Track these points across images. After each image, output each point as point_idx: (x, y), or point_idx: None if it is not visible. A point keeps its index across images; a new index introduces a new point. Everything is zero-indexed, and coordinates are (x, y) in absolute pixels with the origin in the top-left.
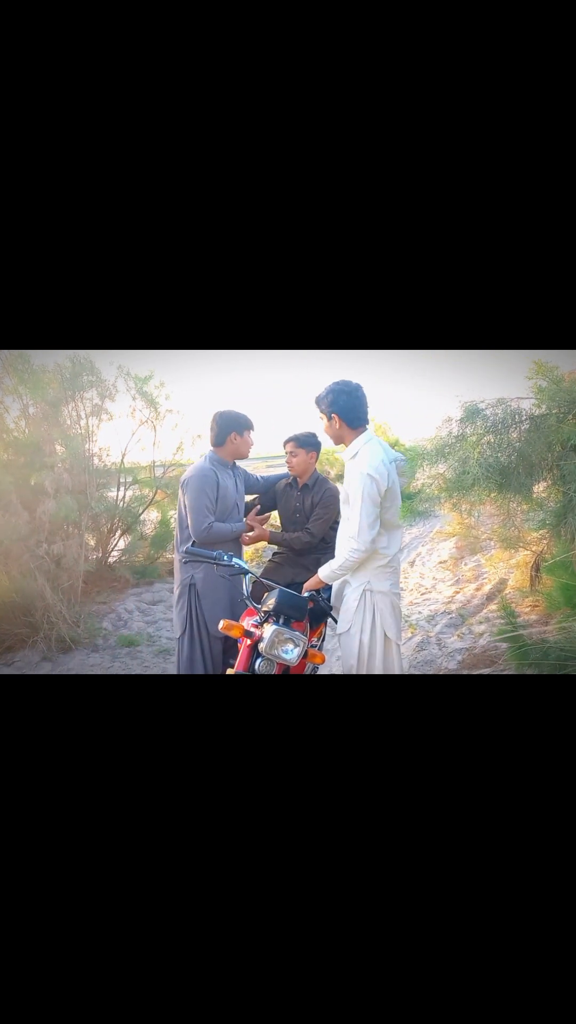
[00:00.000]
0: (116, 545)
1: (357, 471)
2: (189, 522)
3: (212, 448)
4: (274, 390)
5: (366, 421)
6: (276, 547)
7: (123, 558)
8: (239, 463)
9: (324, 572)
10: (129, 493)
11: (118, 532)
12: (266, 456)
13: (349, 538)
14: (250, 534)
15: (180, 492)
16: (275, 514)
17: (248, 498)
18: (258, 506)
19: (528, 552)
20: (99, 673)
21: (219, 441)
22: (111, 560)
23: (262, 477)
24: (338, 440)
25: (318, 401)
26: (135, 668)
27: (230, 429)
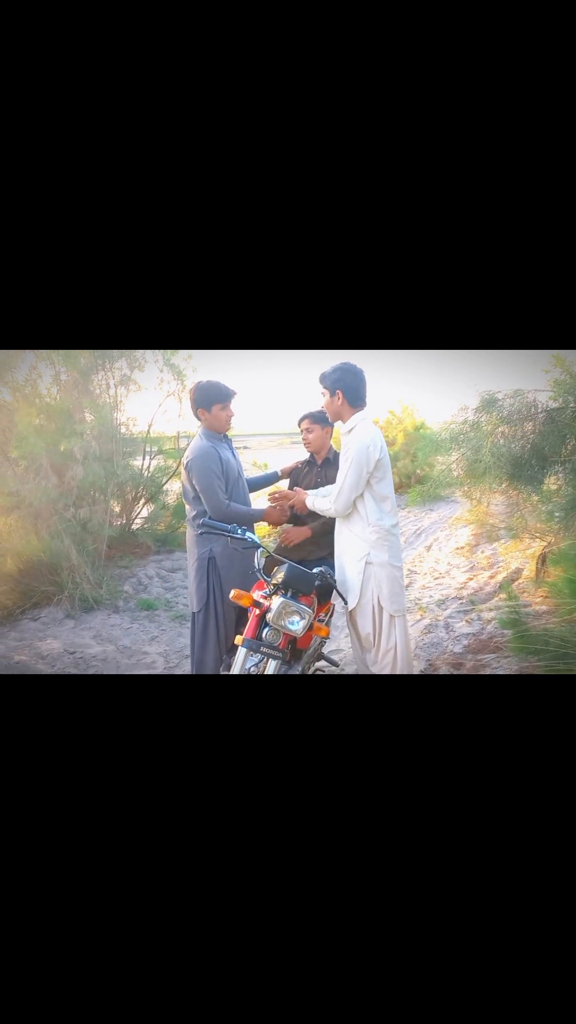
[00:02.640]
0: (140, 513)
1: (353, 442)
2: (205, 504)
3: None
4: (283, 381)
5: (365, 402)
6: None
7: (146, 526)
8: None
9: (312, 498)
10: (154, 463)
11: (142, 500)
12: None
13: (331, 496)
14: (277, 508)
15: (183, 472)
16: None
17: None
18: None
19: (542, 543)
20: (101, 673)
21: (196, 417)
22: (134, 527)
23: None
24: (336, 416)
25: (323, 377)
26: (152, 631)
27: (198, 406)
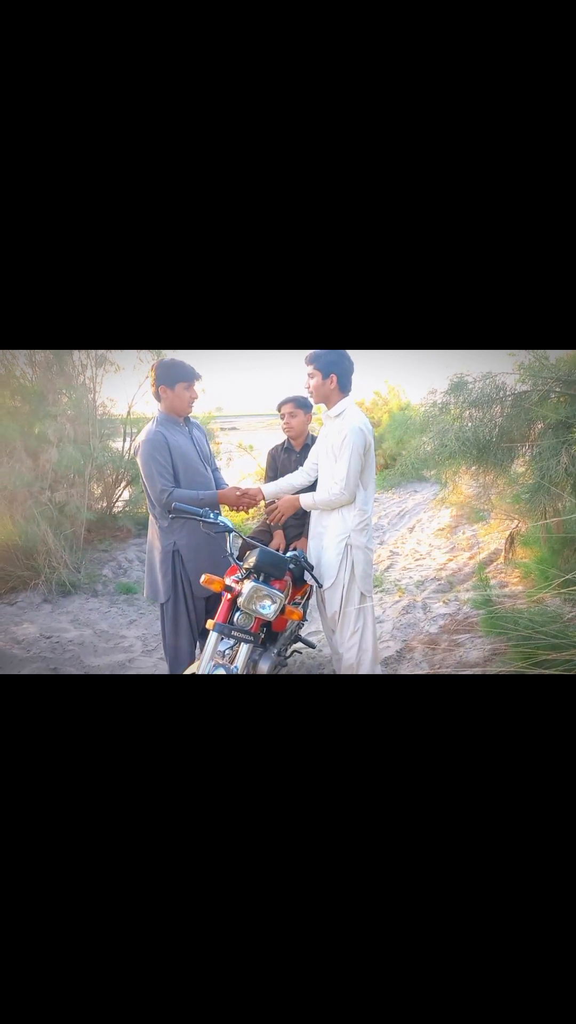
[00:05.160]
0: (120, 495)
1: (346, 426)
2: (147, 491)
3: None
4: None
5: (351, 388)
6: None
7: (126, 508)
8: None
9: (307, 499)
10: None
11: (123, 483)
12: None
13: (335, 483)
14: (273, 508)
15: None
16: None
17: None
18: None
19: (519, 523)
20: (78, 657)
21: (156, 396)
22: (115, 510)
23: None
24: (323, 399)
25: (316, 357)
26: (131, 615)
27: (161, 382)
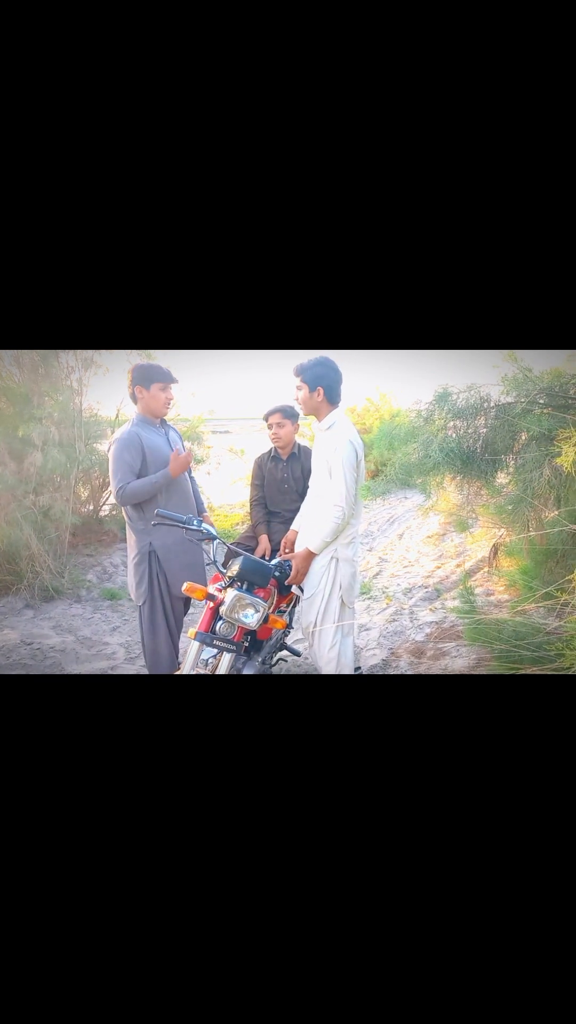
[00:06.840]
0: (107, 499)
1: (338, 440)
2: (111, 485)
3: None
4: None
5: (340, 399)
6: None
7: (113, 512)
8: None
9: (316, 543)
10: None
11: (109, 486)
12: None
13: (334, 505)
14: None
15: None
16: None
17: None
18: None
19: (504, 533)
20: (59, 664)
21: (132, 398)
22: (102, 514)
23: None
24: (311, 412)
25: (302, 370)
26: (115, 621)
27: (136, 383)
